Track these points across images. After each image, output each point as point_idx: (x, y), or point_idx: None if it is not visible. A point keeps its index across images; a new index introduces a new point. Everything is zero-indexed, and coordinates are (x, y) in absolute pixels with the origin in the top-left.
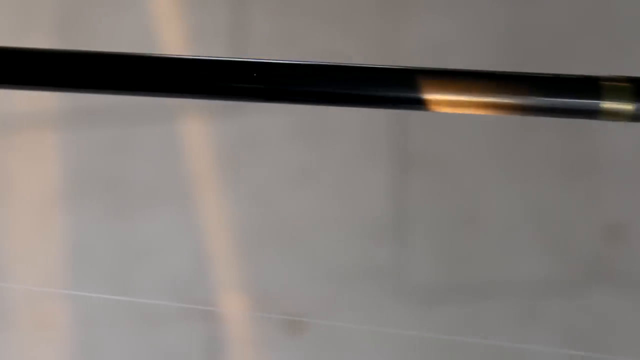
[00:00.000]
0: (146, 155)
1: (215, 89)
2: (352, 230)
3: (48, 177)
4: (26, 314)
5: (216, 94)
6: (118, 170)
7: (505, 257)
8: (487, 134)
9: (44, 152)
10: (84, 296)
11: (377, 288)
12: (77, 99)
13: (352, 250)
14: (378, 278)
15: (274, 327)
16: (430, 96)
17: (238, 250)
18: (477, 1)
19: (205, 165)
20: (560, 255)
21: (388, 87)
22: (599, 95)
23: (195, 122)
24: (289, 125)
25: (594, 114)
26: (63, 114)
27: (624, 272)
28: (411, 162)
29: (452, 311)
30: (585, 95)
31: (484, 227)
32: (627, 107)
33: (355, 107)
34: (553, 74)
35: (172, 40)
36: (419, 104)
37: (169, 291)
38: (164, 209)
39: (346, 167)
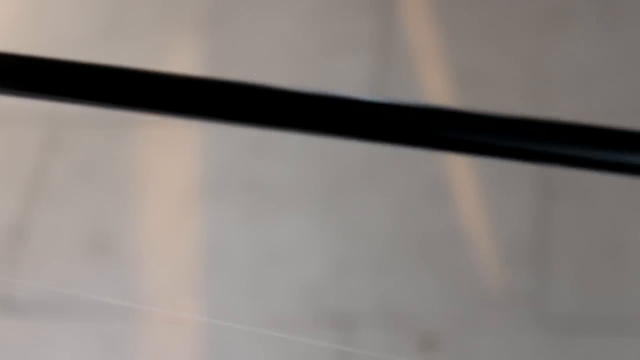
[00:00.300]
0: (286, 158)
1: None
2: (492, 252)
3: (186, 175)
4: (158, 311)
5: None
6: (257, 171)
7: None
8: None
9: (183, 148)
10: (215, 297)
11: (514, 313)
12: None
13: (491, 272)
14: (516, 303)
15: (406, 343)
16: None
17: (374, 262)
18: (635, 29)
19: (345, 172)
20: None
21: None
22: None
23: None
24: None
25: None
26: None
27: None
28: (555, 187)
29: (593, 344)
30: None
31: (630, 258)
32: None
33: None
34: None
35: (311, 48)
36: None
37: (302, 298)
38: (302, 214)
39: (489, 186)
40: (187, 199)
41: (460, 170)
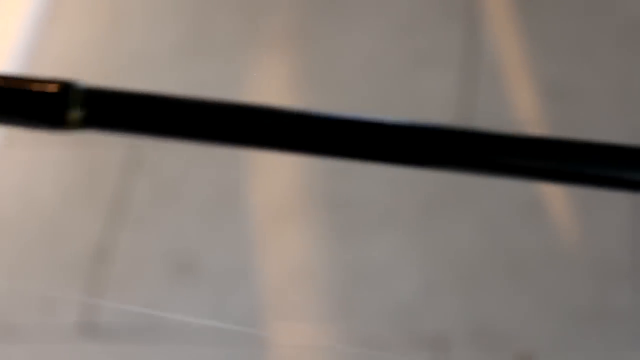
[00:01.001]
0: (373, 178)
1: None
2: (586, 270)
3: (275, 193)
4: (249, 333)
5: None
6: (345, 192)
7: None
8: None
9: (270, 168)
10: (308, 318)
11: (612, 332)
12: None
13: (586, 290)
14: (613, 322)
15: None
16: None
17: (466, 282)
18: None
19: (435, 192)
20: None
21: None
22: None
23: None
24: None
25: None
26: None
27: None
28: None
29: None
30: None
31: None
32: None
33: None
34: None
35: (398, 64)
36: None
37: (395, 318)
38: (392, 234)
39: (582, 203)
40: (275, 219)
41: (551, 187)
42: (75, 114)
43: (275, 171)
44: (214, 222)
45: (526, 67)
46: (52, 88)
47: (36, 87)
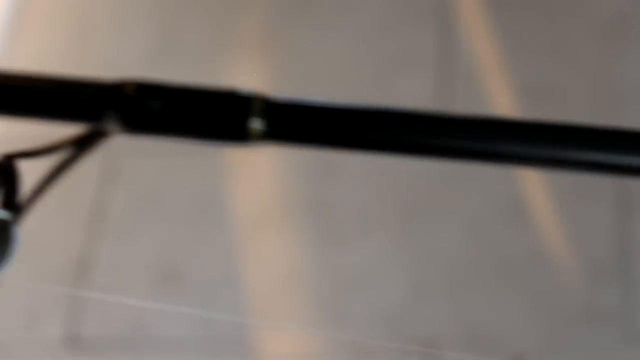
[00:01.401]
0: (356, 181)
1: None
2: (574, 270)
3: (256, 199)
4: (233, 342)
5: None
6: (328, 195)
7: None
8: None
9: (252, 173)
10: (294, 325)
11: (602, 332)
12: None
13: (575, 291)
14: (603, 322)
15: None
16: None
17: (455, 285)
18: None
19: (418, 194)
20: None
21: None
22: None
23: None
24: None
25: None
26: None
27: None
28: (636, 202)
29: None
30: None
31: None
32: None
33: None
34: None
35: (372, 65)
36: None
37: (385, 324)
38: (377, 238)
39: (567, 204)
40: (257, 226)
41: (536, 188)
42: (257, 126)
43: (255, 177)
44: (196, 230)
45: (502, 67)
46: (233, 100)
47: (216, 99)
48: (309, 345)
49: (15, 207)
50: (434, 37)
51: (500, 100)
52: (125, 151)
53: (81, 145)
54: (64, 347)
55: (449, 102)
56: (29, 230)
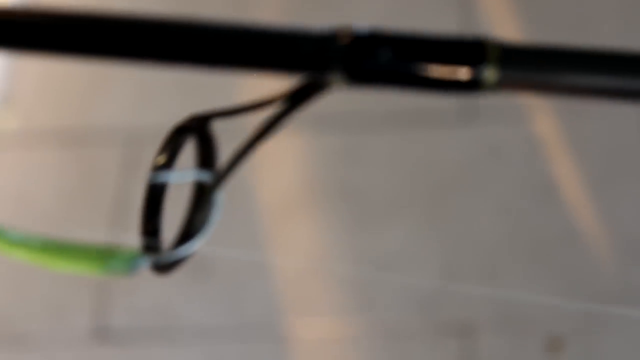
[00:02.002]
0: (383, 165)
1: None
2: (608, 250)
3: (284, 185)
4: (264, 329)
5: None
6: (356, 179)
7: None
8: None
9: (279, 158)
10: (327, 312)
11: (638, 312)
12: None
13: (609, 271)
14: (637, 299)
15: (531, 347)
16: None
17: (486, 267)
18: None
19: (446, 176)
20: None
21: None
22: None
23: (429, 132)
24: (530, 137)
25: None
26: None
27: None
28: None
29: None
30: None
31: None
32: None
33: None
34: None
35: None
36: None
37: (418, 306)
38: (406, 221)
39: (598, 182)
40: (286, 211)
41: (567, 167)
42: (491, 75)
43: (282, 163)
44: (223, 217)
45: None
46: (467, 47)
47: (448, 47)
48: (341, 330)
49: (214, 171)
50: (456, 19)
51: None
52: (146, 140)
53: (294, 100)
54: (92, 337)
55: None
56: (52, 219)
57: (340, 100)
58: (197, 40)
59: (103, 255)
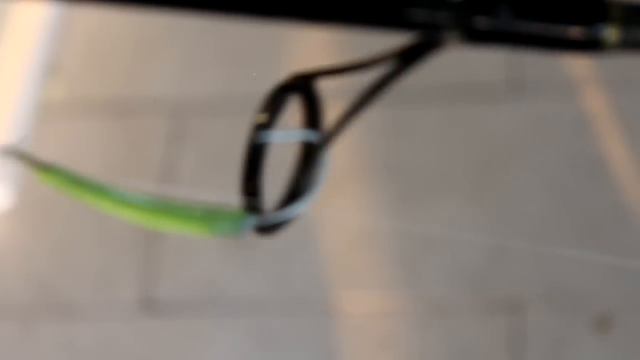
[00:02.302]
0: (429, 141)
1: None
2: None
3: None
4: (311, 303)
5: None
6: (402, 155)
7: None
8: None
9: None
10: (374, 287)
11: None
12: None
13: None
14: None
15: (580, 324)
16: None
17: (533, 242)
18: None
19: (493, 152)
20: None
21: None
22: None
23: (477, 106)
24: (579, 112)
25: None
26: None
27: None
28: None
29: None
30: None
31: None
32: None
33: None
34: None
35: None
36: None
37: (466, 283)
38: (453, 197)
39: None
40: (332, 186)
41: (615, 142)
42: (613, 34)
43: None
44: (268, 190)
45: None
46: (589, 5)
47: (570, 4)
48: (388, 305)
49: (321, 131)
50: None
51: (569, 59)
52: (190, 113)
53: (407, 59)
54: (139, 309)
55: (521, 63)
56: None
57: None
58: None
59: (211, 217)
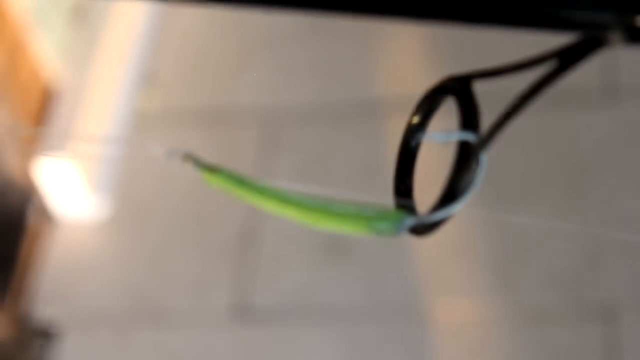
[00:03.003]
0: (523, 146)
1: None
2: None
3: (419, 162)
4: (404, 311)
5: None
6: (495, 159)
7: None
8: None
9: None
10: (467, 294)
11: None
12: None
13: None
14: None
15: None
16: None
17: (629, 247)
18: None
19: (585, 156)
20: None
21: None
22: None
23: (570, 112)
24: None
25: None
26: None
27: None
28: None
29: None
30: None
31: None
32: None
33: None
34: None
35: None
36: None
37: (558, 290)
38: (546, 202)
39: None
40: (423, 191)
41: None
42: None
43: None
44: (361, 198)
45: None
46: None
47: None
48: (482, 312)
49: (479, 132)
50: None
51: None
52: (285, 121)
53: (567, 59)
54: (233, 315)
55: None
56: (193, 199)
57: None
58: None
59: (370, 216)
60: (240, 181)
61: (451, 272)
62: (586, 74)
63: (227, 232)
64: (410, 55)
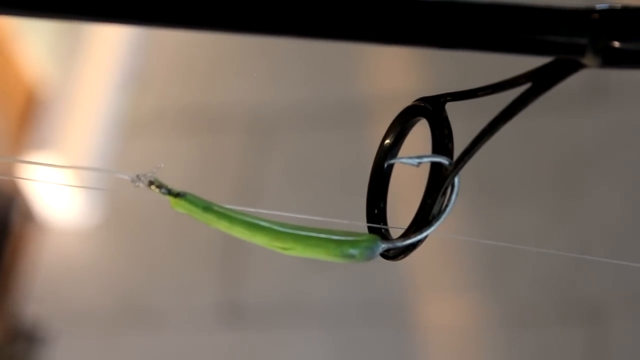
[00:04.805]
0: (512, 147)
1: None
2: None
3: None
4: (392, 312)
5: None
6: (484, 158)
7: None
8: None
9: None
10: (460, 295)
11: None
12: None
13: None
14: None
15: None
16: None
17: (615, 250)
18: None
19: (571, 157)
20: None
21: None
22: None
23: (556, 112)
24: None
25: None
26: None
27: None
28: None
29: None
30: None
31: None
32: None
33: None
34: None
35: None
36: None
37: (545, 292)
38: (532, 202)
39: None
40: (412, 193)
41: None
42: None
43: (408, 148)
44: (348, 202)
45: None
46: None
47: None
48: (471, 314)
49: (450, 154)
50: None
51: None
52: (274, 126)
53: (542, 81)
54: (221, 317)
55: None
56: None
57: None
58: (444, 20)
59: (342, 241)
60: (206, 207)
61: (438, 273)
62: (573, 75)
63: (214, 235)
64: (399, 58)
